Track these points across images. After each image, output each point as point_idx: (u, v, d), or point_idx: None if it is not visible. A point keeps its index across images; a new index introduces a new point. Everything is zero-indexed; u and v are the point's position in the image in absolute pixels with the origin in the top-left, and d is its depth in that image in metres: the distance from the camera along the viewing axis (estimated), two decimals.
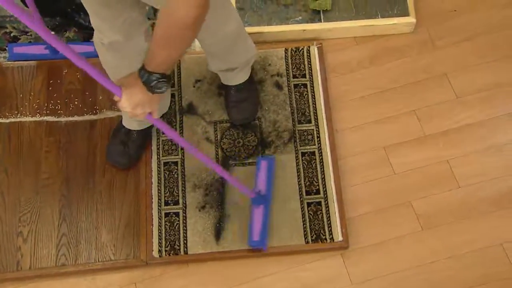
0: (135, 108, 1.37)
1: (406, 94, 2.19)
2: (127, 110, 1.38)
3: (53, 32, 2.21)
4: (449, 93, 2.19)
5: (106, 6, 1.55)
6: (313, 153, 2.06)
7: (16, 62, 2.21)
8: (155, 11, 2.20)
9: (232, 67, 1.98)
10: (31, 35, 2.28)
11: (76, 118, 2.12)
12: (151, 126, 2.07)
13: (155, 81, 1.32)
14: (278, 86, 2.17)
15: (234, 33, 1.80)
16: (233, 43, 1.86)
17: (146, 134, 2.05)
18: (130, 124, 2.00)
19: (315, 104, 2.13)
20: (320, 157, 2.05)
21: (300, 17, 2.25)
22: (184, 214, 1.99)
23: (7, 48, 2.24)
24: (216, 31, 1.77)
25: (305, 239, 1.95)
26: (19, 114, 2.13)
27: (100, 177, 2.04)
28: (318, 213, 1.98)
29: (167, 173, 2.04)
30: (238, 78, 2.04)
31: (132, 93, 1.35)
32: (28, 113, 2.13)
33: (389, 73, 2.22)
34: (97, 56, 2.18)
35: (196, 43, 2.24)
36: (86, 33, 2.27)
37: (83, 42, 2.25)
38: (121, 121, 2.03)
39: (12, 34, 2.27)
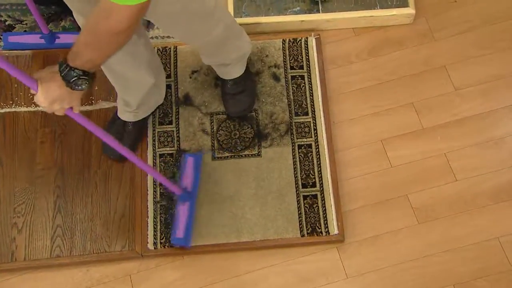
0: (52, 103, 1.28)
1: (404, 86, 2.17)
2: (43, 105, 1.29)
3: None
4: (448, 86, 2.17)
5: (87, 2, 1.48)
6: (309, 146, 2.05)
7: (11, 51, 2.19)
8: None
9: (224, 63, 1.97)
10: (26, 24, 2.26)
11: None
12: (147, 118, 2.06)
13: (75, 78, 1.25)
14: (275, 77, 2.15)
15: (221, 35, 1.76)
16: (221, 44, 1.83)
17: (141, 125, 2.04)
18: (127, 116, 1.99)
19: (312, 96, 2.12)
20: (317, 150, 2.04)
21: (298, 8, 2.22)
22: None
23: (1, 37, 2.22)
24: (202, 37, 1.74)
25: (300, 232, 1.94)
26: (14, 104, 2.12)
27: (96, 169, 2.03)
28: (314, 206, 1.97)
29: (163, 165, 2.03)
30: (233, 72, 2.02)
31: (49, 88, 1.26)
32: (23, 103, 2.12)
33: (387, 65, 2.20)
34: None
35: None
36: None
37: (79, 32, 2.22)
38: (116, 112, 2.02)
39: (7, 23, 2.25)
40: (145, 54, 1.81)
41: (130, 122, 2.00)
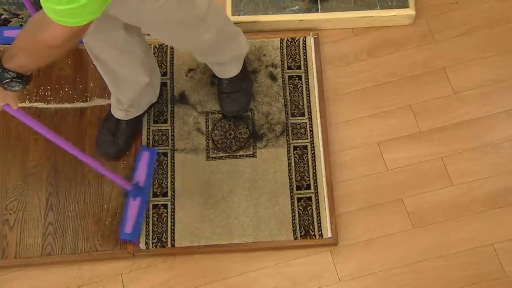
0: None
1: (403, 88, 2.15)
2: None
3: None
4: (446, 88, 2.15)
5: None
6: (305, 147, 2.03)
7: (6, 45, 2.17)
8: None
9: (219, 62, 1.94)
10: (22, 18, 2.23)
11: (66, 105, 2.09)
12: (141, 116, 2.04)
13: (8, 80, 1.23)
14: (272, 77, 2.13)
15: (213, 39, 1.73)
16: (215, 46, 1.80)
17: (135, 123, 2.02)
18: (119, 113, 1.97)
19: (309, 97, 2.10)
20: (312, 152, 2.02)
21: (297, 7, 2.20)
22: (173, 206, 1.96)
23: None
24: (193, 42, 1.73)
25: (294, 234, 1.93)
26: None
27: (89, 167, 2.00)
28: (308, 208, 1.95)
29: (156, 164, 2.01)
30: (228, 71, 2.00)
31: None
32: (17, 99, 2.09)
33: (386, 66, 2.18)
34: None
35: None
36: None
37: None
38: (110, 110, 2.00)
39: (3, 17, 2.23)
40: (139, 53, 1.79)
41: (123, 120, 1.99)
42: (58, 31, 1.12)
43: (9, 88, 1.25)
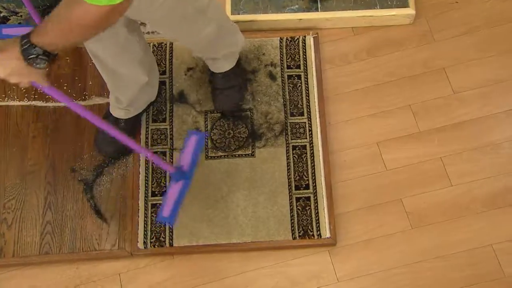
0: (9, 76, 1.24)
1: (402, 88, 2.14)
2: (0, 76, 1.24)
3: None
4: (446, 88, 2.14)
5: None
6: (304, 147, 2.03)
7: None
8: None
9: (214, 57, 1.94)
10: (21, 16, 2.22)
11: (64, 103, 2.08)
12: (140, 115, 2.03)
13: (34, 56, 1.20)
14: (272, 76, 2.12)
15: (213, 34, 1.73)
16: (213, 41, 1.80)
17: (134, 122, 2.02)
18: (118, 112, 1.97)
19: (309, 97, 2.09)
20: (311, 151, 2.02)
21: (296, 6, 2.19)
22: None
23: None
24: (193, 36, 1.72)
25: (292, 234, 1.92)
26: (6, 98, 2.09)
27: (87, 166, 2.01)
28: (307, 208, 1.95)
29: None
30: (221, 66, 2.00)
31: (7, 59, 1.21)
32: (16, 97, 2.10)
33: (386, 66, 2.18)
34: None
35: None
36: None
37: None
38: (109, 109, 1.99)
39: (1, 14, 2.22)
40: (138, 51, 1.78)
41: (122, 119, 1.98)
42: (91, 10, 1.10)
43: (34, 64, 1.22)
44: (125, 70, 1.80)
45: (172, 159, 2.01)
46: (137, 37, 1.75)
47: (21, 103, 2.09)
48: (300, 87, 2.11)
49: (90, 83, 2.11)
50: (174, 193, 1.79)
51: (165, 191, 1.87)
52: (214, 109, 2.06)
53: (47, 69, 1.27)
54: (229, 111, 2.05)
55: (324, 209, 1.94)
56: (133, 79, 1.84)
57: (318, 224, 1.93)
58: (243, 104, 2.07)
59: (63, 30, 1.18)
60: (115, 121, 1.99)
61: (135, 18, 1.55)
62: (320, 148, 2.02)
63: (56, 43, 1.21)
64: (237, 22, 2.09)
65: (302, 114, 2.07)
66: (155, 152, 2.02)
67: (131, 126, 2.01)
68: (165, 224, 1.87)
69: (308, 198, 1.96)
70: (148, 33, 2.19)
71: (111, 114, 1.99)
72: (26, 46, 1.20)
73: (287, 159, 2.01)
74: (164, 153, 2.02)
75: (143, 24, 2.13)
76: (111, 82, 1.86)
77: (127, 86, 1.86)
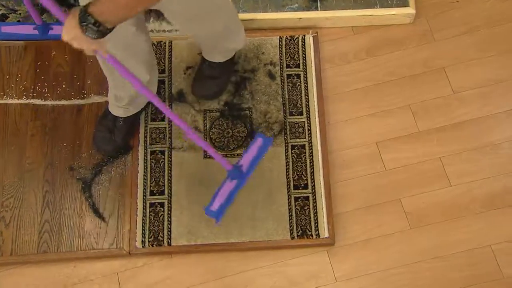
0: (71, 40, 1.30)
1: (402, 88, 2.14)
2: (65, 39, 1.31)
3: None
4: (446, 88, 2.14)
5: None
6: (303, 147, 2.02)
7: (3, 41, 2.16)
8: None
9: (207, 46, 1.95)
10: (20, 13, 2.22)
11: (63, 102, 2.08)
12: (139, 113, 2.03)
13: (86, 24, 1.24)
14: (271, 75, 2.11)
15: (220, 29, 1.75)
16: (219, 36, 1.82)
17: (133, 121, 2.01)
18: (116, 111, 1.96)
19: (308, 96, 2.08)
20: (310, 151, 2.01)
21: (296, 5, 2.18)
22: (169, 205, 1.96)
23: None
24: (200, 30, 1.73)
25: (290, 234, 1.92)
26: (5, 96, 2.09)
27: (86, 164, 2.00)
28: (305, 208, 1.94)
29: (154, 162, 2.00)
30: (212, 56, 2.00)
31: (70, 25, 1.27)
32: (14, 95, 2.09)
33: (386, 65, 2.17)
34: None
35: None
36: None
37: None
38: (108, 107, 1.99)
39: (0, 12, 2.21)
40: (144, 50, 1.79)
41: (121, 117, 1.98)
42: None
43: (86, 33, 1.26)
44: (129, 68, 1.79)
45: (170, 158, 2.01)
46: (144, 36, 1.76)
47: (20, 101, 2.08)
48: (299, 86, 2.10)
49: (89, 81, 2.11)
50: (226, 190, 1.84)
51: (218, 188, 1.88)
52: (220, 110, 2.07)
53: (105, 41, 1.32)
54: (201, 97, 2.07)
55: (322, 209, 1.94)
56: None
57: (316, 224, 1.93)
58: (217, 98, 2.07)
59: (115, 2, 1.23)
60: (114, 120, 1.98)
61: (155, 7, 1.58)
62: (319, 148, 2.01)
63: (111, 13, 1.25)
64: None
65: (301, 113, 2.07)
66: (153, 152, 2.02)
67: (130, 124, 2.01)
68: (211, 217, 1.86)
69: (307, 198, 1.96)
70: (152, 31, 2.18)
71: (110, 112, 1.98)
72: (82, 14, 1.25)
73: (286, 158, 2.01)
74: (162, 152, 2.02)
75: (146, 21, 2.13)
76: (113, 79, 1.86)
77: (129, 84, 1.86)
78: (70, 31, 1.28)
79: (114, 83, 1.88)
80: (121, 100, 1.92)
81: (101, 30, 1.26)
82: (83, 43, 1.30)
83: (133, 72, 1.80)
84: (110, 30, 1.29)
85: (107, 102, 2.04)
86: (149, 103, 2.05)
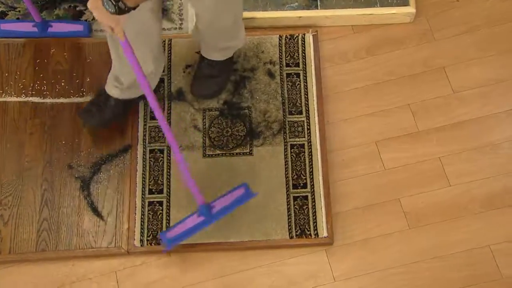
0: (92, 9, 1.34)
1: (402, 87, 2.13)
2: (89, 6, 1.34)
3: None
4: (446, 88, 2.13)
5: None
6: (302, 146, 2.02)
7: (2, 39, 2.15)
8: None
9: (209, 43, 1.94)
10: (19, 11, 2.22)
11: (62, 100, 2.08)
12: (134, 100, 2.01)
13: None
14: (270, 74, 2.11)
15: (225, 28, 1.78)
16: (224, 30, 1.83)
17: (125, 105, 2.00)
18: (113, 91, 1.95)
19: (307, 95, 2.08)
20: (309, 150, 2.01)
21: (296, 3, 2.18)
22: (168, 204, 1.95)
23: None
24: (210, 24, 1.75)
25: (289, 233, 1.91)
26: (4, 94, 2.08)
27: (85, 163, 2.00)
28: (304, 207, 1.94)
29: (153, 160, 2.00)
30: (211, 54, 2.00)
31: None
32: (13, 93, 2.08)
33: (386, 65, 2.17)
34: (86, 35, 2.15)
35: (189, 26, 2.18)
36: (76, 11, 2.21)
37: (72, 21, 2.19)
38: (104, 86, 1.98)
39: None
40: (154, 40, 1.81)
41: (113, 97, 1.96)
42: None
43: (104, 4, 1.29)
44: (137, 53, 1.79)
45: (169, 157, 2.01)
46: (157, 26, 1.77)
47: (19, 99, 2.08)
48: (299, 85, 2.10)
49: (88, 79, 2.10)
50: (189, 224, 1.83)
51: (178, 222, 1.86)
52: (219, 109, 2.06)
53: (122, 19, 1.35)
54: (200, 96, 2.06)
55: (321, 208, 1.94)
56: (141, 64, 1.83)
57: (315, 224, 1.92)
58: (216, 97, 2.07)
59: None
60: (107, 99, 1.97)
61: None
62: (318, 147, 2.01)
63: None
64: None
65: (300, 112, 2.06)
66: (152, 150, 2.02)
67: (122, 107, 1.99)
68: (162, 242, 1.85)
69: (306, 197, 1.95)
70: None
71: (105, 92, 1.97)
72: None
73: (285, 157, 2.00)
74: (161, 151, 2.01)
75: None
76: (118, 63, 1.86)
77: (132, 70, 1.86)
78: (93, 0, 1.32)
79: (120, 66, 1.88)
80: (120, 83, 1.92)
81: (119, 6, 1.29)
82: (102, 15, 1.33)
83: (139, 58, 1.81)
84: (129, 9, 1.31)
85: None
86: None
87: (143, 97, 2.01)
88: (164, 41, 2.15)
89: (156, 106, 1.54)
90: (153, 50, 1.83)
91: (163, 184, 1.97)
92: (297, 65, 2.12)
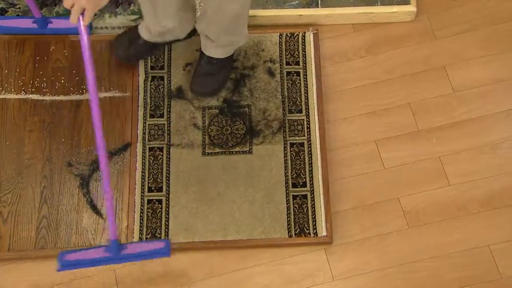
0: None
1: (402, 86, 2.13)
2: None
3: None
4: (446, 87, 2.13)
5: None
6: (302, 144, 2.02)
7: (2, 36, 2.15)
8: None
9: (211, 38, 1.94)
10: (19, 8, 2.21)
11: (61, 97, 2.07)
12: (159, 45, 2.07)
13: None
14: (271, 73, 2.11)
15: (231, 17, 1.79)
16: (233, 20, 1.83)
17: (151, 47, 2.06)
18: (144, 32, 2.02)
19: (307, 94, 2.08)
20: (309, 149, 2.01)
21: (296, 1, 2.17)
22: (167, 202, 1.95)
23: None
24: (217, 9, 1.76)
25: (288, 232, 1.92)
26: (3, 91, 2.08)
27: (84, 160, 2.00)
28: (304, 206, 1.94)
29: (152, 158, 2.00)
30: (212, 51, 2.00)
31: None
32: (13, 90, 2.08)
33: (386, 64, 2.16)
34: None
35: None
36: None
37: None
38: (139, 26, 2.05)
39: None
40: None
41: (143, 38, 2.02)
42: None
43: None
44: (158, 5, 1.84)
45: (169, 154, 2.00)
46: None
47: (18, 96, 2.07)
48: (299, 84, 2.09)
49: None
50: (94, 254, 1.76)
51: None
52: (219, 107, 2.06)
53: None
54: (200, 94, 2.07)
55: (321, 207, 1.94)
56: (160, 20, 1.90)
57: (314, 222, 1.92)
58: (216, 95, 2.07)
59: None
60: (137, 36, 2.03)
61: None
62: (318, 146, 2.01)
63: None
64: None
65: (300, 111, 2.06)
66: (152, 148, 2.02)
67: (147, 48, 2.06)
68: (58, 262, 1.76)
69: (305, 196, 1.95)
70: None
71: (137, 30, 2.04)
72: None
73: (284, 156, 2.00)
74: (161, 149, 2.01)
75: None
76: (148, 16, 1.92)
77: (163, 21, 1.92)
78: None
79: (149, 19, 1.93)
80: (150, 31, 1.99)
81: None
82: None
83: (159, 11, 1.86)
84: None
85: (106, 98, 2.06)
86: (176, 40, 2.08)
87: (169, 43, 2.10)
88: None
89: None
90: (177, 2, 1.84)
91: (162, 182, 1.97)
92: (297, 63, 2.12)
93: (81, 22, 1.40)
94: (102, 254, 1.77)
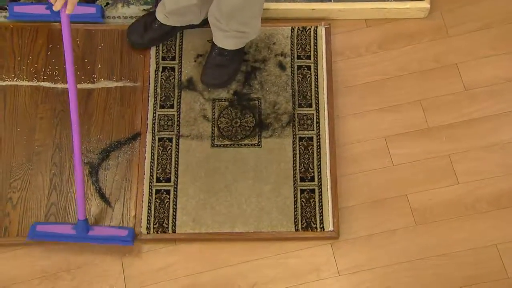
0: None
1: (413, 83, 2.12)
2: None
3: None
4: (458, 85, 2.12)
5: None
6: (311, 139, 2.02)
7: (16, 23, 2.16)
8: None
9: (222, 28, 1.94)
10: None
11: None
12: (177, 28, 2.09)
13: None
14: (281, 66, 2.10)
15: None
16: (237, 8, 1.83)
17: (168, 32, 2.08)
18: (159, 15, 2.05)
19: (318, 88, 2.07)
20: (318, 144, 2.01)
21: None
22: (175, 192, 1.96)
23: (7, 7, 2.18)
24: None
25: (295, 226, 1.92)
26: (16, 78, 2.09)
27: (94, 149, 2.01)
28: (311, 200, 1.94)
29: (161, 149, 2.01)
30: (223, 42, 2.00)
31: None
32: (25, 77, 2.09)
33: (398, 60, 2.15)
34: (98, 18, 2.14)
35: None
36: None
37: (85, 3, 2.19)
38: (155, 9, 2.08)
39: None
40: None
41: (158, 21, 2.05)
42: None
43: None
44: None
45: (178, 145, 2.01)
46: None
47: (30, 83, 2.09)
48: (309, 78, 2.09)
49: (99, 66, 2.11)
50: (60, 229, 1.87)
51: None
52: (229, 100, 2.07)
53: None
54: (210, 85, 2.07)
55: (328, 202, 1.94)
56: None
57: (321, 217, 1.92)
58: (226, 87, 2.07)
59: None
60: (152, 21, 2.06)
61: None
62: (327, 141, 2.01)
63: None
64: None
65: (310, 105, 2.06)
66: (161, 138, 2.02)
67: (163, 32, 2.08)
68: (30, 230, 1.88)
69: (313, 191, 1.95)
70: None
71: (154, 14, 2.06)
72: None
73: (293, 150, 2.00)
74: (170, 140, 2.02)
75: None
76: None
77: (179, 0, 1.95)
78: None
79: None
80: (164, 7, 2.00)
81: None
82: None
83: None
84: None
85: (117, 87, 2.07)
86: (191, 26, 2.10)
87: (182, 28, 2.10)
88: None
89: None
90: None
91: (170, 173, 1.98)
92: (309, 57, 2.12)
93: (63, 9, 1.48)
94: (69, 231, 1.87)
